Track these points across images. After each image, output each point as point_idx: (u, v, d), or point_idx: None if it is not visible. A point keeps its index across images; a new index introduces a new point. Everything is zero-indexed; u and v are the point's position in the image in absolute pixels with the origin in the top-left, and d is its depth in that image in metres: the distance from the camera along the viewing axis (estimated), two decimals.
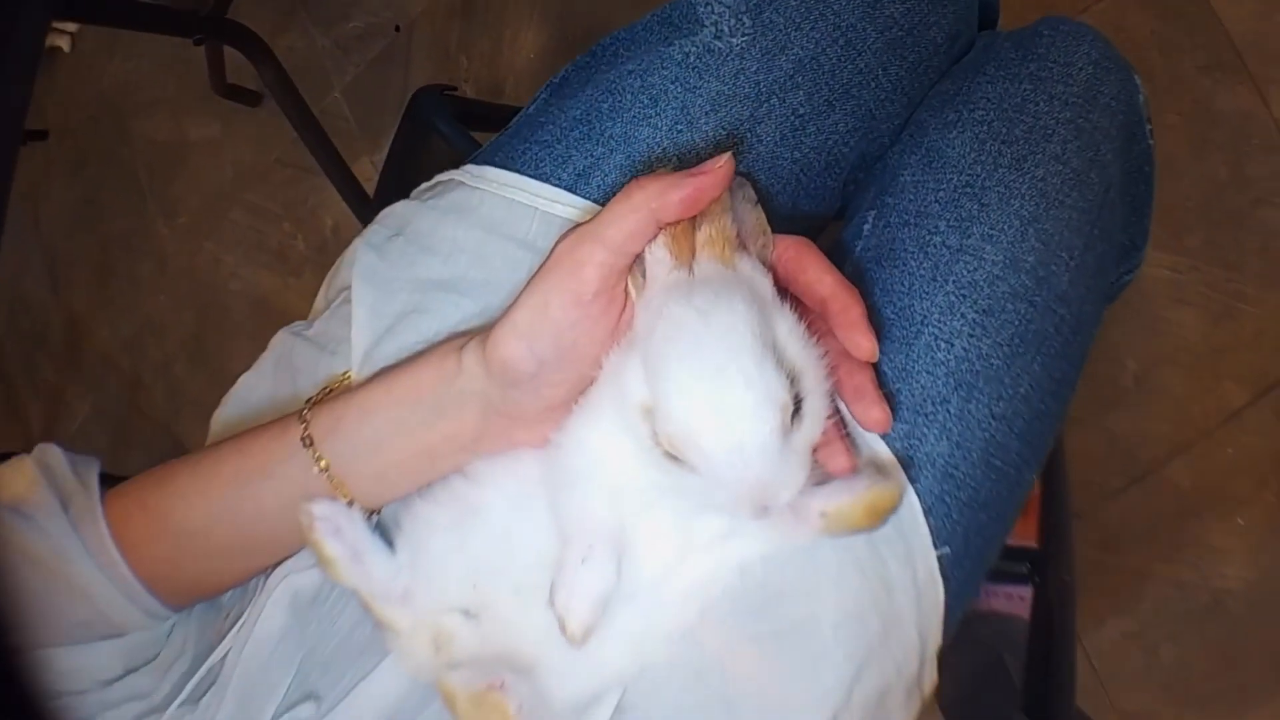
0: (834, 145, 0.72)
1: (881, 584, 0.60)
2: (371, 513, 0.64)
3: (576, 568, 0.54)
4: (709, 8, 0.70)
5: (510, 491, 0.60)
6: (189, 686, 0.65)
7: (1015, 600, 1.25)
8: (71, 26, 2.19)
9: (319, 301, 0.79)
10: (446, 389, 0.59)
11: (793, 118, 0.70)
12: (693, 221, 0.54)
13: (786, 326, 0.52)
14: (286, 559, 0.66)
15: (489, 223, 0.70)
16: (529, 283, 0.55)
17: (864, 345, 0.54)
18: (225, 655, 0.65)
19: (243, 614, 0.66)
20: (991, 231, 0.63)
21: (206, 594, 0.69)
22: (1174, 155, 1.40)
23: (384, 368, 0.66)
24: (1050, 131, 0.66)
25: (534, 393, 0.56)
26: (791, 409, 0.49)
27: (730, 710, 0.58)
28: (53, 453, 0.66)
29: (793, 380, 0.50)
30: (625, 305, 0.55)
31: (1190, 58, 1.43)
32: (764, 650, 0.59)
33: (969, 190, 0.65)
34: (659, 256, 0.53)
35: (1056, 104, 0.67)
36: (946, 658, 0.65)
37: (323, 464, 0.61)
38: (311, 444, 0.62)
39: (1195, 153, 1.41)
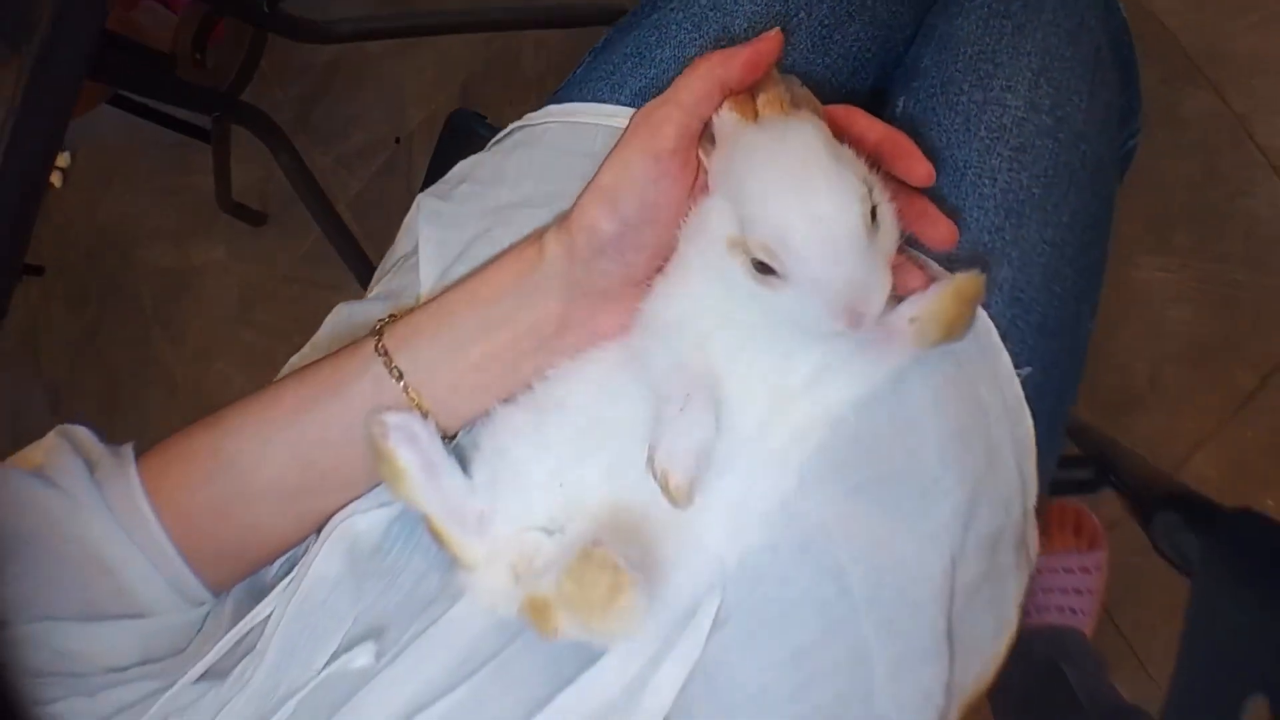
0: (858, 51, 0.78)
1: (977, 406, 0.62)
2: (449, 438, 0.62)
3: (675, 418, 0.53)
4: None
5: (594, 377, 0.59)
6: (211, 654, 0.61)
7: (1068, 613, 1.32)
8: (64, 161, 2.25)
9: (375, 285, 0.79)
10: (529, 277, 0.59)
11: (820, 28, 0.76)
12: (752, 92, 0.56)
13: (849, 154, 0.54)
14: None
15: (555, 147, 0.74)
16: (610, 152, 0.56)
17: (920, 169, 0.57)
18: (267, 617, 0.61)
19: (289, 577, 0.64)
20: (1009, 83, 0.70)
21: (249, 561, 0.66)
22: (1151, 164, 1.49)
23: (462, 276, 0.65)
24: (1041, 4, 0.74)
25: (619, 258, 0.56)
26: (870, 206, 0.51)
27: (841, 582, 0.57)
28: (77, 429, 0.65)
29: (867, 188, 0.52)
30: (698, 173, 0.56)
31: (1151, 72, 1.53)
32: (869, 501, 0.59)
33: (983, 55, 0.72)
34: (727, 119, 0.55)
35: None
36: (1002, 671, 0.67)
37: (397, 375, 0.60)
38: (385, 353, 0.60)
39: (1170, 158, 1.50)
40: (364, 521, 0.62)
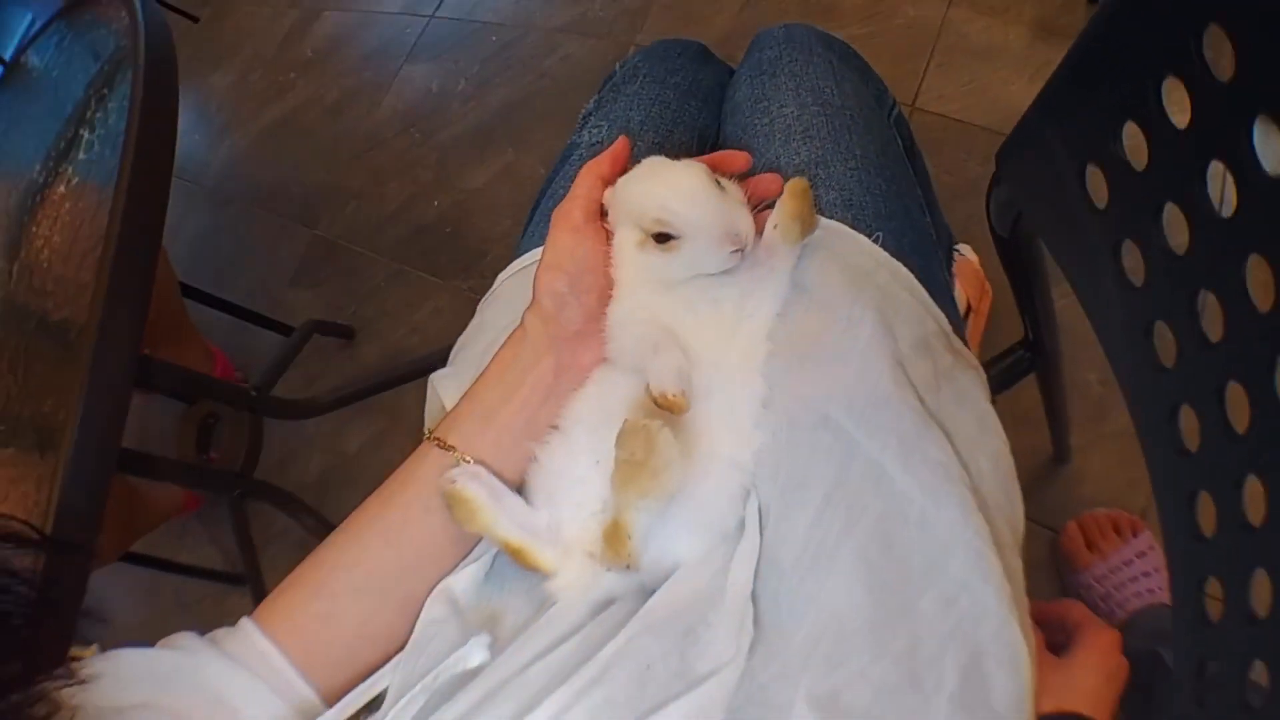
0: (699, 128, 1.07)
1: (855, 266, 0.82)
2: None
3: (653, 360, 0.70)
4: (584, 121, 1.10)
5: (593, 391, 0.76)
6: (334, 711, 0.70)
7: (1148, 595, 1.40)
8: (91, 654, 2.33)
9: None
10: (522, 349, 0.77)
11: (665, 125, 1.05)
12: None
13: (691, 160, 0.77)
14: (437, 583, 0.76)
15: (513, 291, 0.97)
16: (545, 244, 0.78)
17: (738, 156, 0.82)
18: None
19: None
20: (781, 103, 0.97)
21: (363, 662, 0.75)
22: None
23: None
24: (778, 58, 1.02)
25: (576, 304, 0.76)
26: (715, 179, 0.74)
27: (831, 426, 0.73)
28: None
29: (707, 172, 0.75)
30: (608, 236, 0.78)
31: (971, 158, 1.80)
32: (814, 366, 0.76)
33: (758, 100, 1.00)
34: (608, 194, 0.78)
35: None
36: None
37: (451, 449, 0.76)
38: (438, 439, 0.77)
39: None
40: (459, 579, 0.76)
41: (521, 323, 0.78)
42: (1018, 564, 0.73)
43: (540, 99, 2.49)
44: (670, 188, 0.73)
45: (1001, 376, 1.18)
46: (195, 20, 3.24)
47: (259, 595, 2.00)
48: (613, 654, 0.65)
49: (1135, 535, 1.46)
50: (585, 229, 0.76)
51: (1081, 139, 0.69)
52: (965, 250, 1.67)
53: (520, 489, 0.76)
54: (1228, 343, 0.57)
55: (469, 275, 2.31)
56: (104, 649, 0.92)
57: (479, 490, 0.72)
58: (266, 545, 2.13)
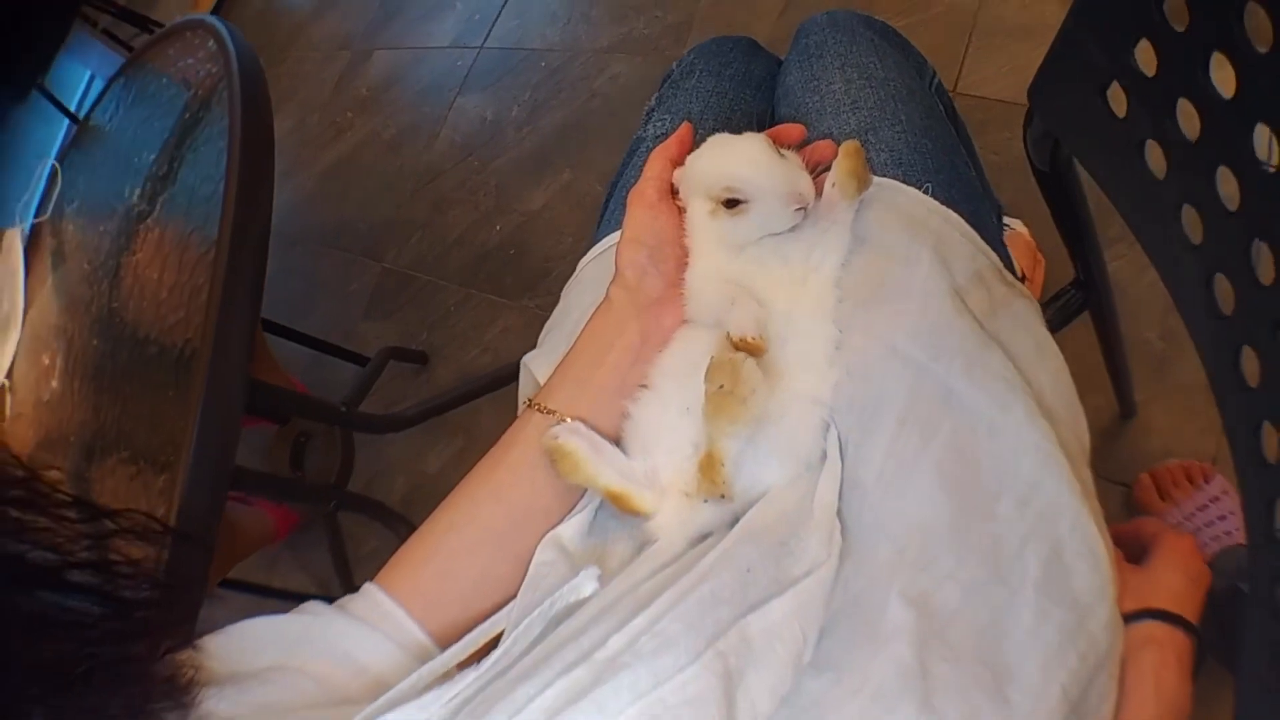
0: (756, 112, 1.14)
1: (909, 215, 0.87)
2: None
3: (731, 311, 0.76)
4: (648, 117, 1.16)
5: (677, 347, 0.81)
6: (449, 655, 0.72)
7: (1225, 537, 1.41)
8: None
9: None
10: (609, 318, 0.83)
11: (724, 113, 1.11)
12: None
13: (752, 134, 0.83)
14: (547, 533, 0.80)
15: (595, 273, 1.03)
16: (624, 221, 0.84)
17: (793, 129, 0.86)
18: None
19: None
20: (829, 81, 1.03)
21: (479, 612, 0.78)
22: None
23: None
24: (824, 41, 1.08)
25: (655, 272, 0.81)
26: (775, 148, 0.80)
27: (900, 355, 0.78)
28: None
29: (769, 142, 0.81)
30: (680, 213, 0.83)
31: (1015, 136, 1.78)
32: (879, 302, 0.81)
33: (807, 81, 1.06)
34: (677, 173, 0.84)
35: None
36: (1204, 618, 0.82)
37: (552, 411, 0.81)
38: (538, 405, 0.82)
39: None
40: (566, 528, 0.81)
41: (607, 295, 0.84)
42: (1087, 474, 0.78)
43: (592, 119, 2.56)
44: (736, 156, 0.79)
45: (1056, 317, 1.22)
46: None
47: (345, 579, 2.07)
48: (714, 560, 0.70)
49: (1208, 481, 1.48)
50: (660, 205, 0.82)
51: (1100, 61, 0.75)
52: (1015, 224, 1.70)
53: (617, 443, 0.81)
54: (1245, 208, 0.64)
55: (535, 294, 2.37)
56: None
57: (580, 443, 0.77)
58: (356, 566, 2.19)
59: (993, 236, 0.93)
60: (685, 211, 0.83)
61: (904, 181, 0.91)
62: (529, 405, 0.83)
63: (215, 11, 3.55)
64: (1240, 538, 1.43)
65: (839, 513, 0.74)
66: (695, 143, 0.86)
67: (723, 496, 0.73)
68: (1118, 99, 0.75)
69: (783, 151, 0.80)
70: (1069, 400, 0.83)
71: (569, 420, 0.81)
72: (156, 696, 0.60)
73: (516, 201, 2.54)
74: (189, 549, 0.98)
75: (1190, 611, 0.78)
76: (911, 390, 0.77)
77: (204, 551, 1.05)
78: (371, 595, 0.77)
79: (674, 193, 0.84)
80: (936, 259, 0.83)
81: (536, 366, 0.98)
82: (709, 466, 0.72)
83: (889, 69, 1.03)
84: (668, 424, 0.79)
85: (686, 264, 0.82)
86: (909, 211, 0.88)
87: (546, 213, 2.48)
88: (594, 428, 0.80)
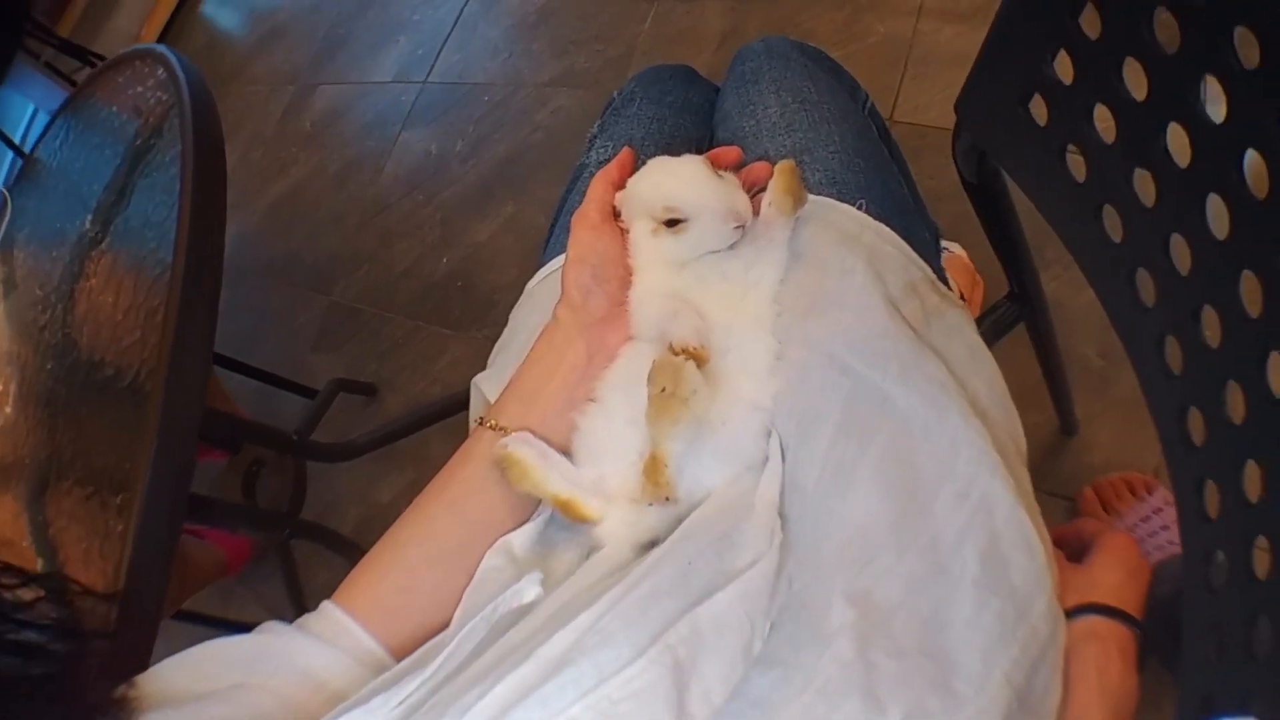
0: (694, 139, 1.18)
1: (842, 229, 0.91)
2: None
3: (673, 323, 0.79)
4: (590, 144, 1.20)
5: (622, 364, 0.83)
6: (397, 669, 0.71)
7: (1168, 547, 1.43)
8: None
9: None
10: (555, 338, 0.85)
11: (662, 137, 1.16)
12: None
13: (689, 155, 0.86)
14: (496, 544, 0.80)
15: (543, 293, 1.06)
16: (568, 243, 0.86)
17: (730, 151, 0.90)
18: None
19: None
20: (764, 105, 1.07)
21: (438, 624, 0.78)
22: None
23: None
24: (759, 68, 1.13)
25: (601, 292, 0.84)
26: (712, 168, 0.84)
27: (838, 363, 0.81)
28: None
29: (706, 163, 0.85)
30: (623, 235, 0.86)
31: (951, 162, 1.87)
32: (819, 312, 0.84)
33: (743, 105, 1.10)
34: (619, 196, 0.87)
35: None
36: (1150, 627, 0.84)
37: (501, 429, 0.82)
38: (490, 423, 0.83)
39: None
40: (516, 536, 0.81)
41: (554, 315, 0.86)
42: (1024, 473, 0.81)
43: (535, 151, 2.60)
44: (676, 178, 0.83)
45: (991, 330, 1.25)
46: None
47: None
48: (656, 557, 0.71)
49: (1150, 493, 1.51)
50: (602, 227, 0.85)
51: (1022, 73, 0.80)
52: (953, 247, 1.75)
53: (566, 455, 0.83)
54: (1156, 204, 0.69)
55: (483, 324, 2.40)
56: None
57: (529, 452, 0.79)
58: (310, 597, 2.17)
59: (926, 250, 0.96)
60: (628, 233, 0.86)
61: (838, 199, 0.94)
62: (480, 423, 0.85)
63: (160, 43, 3.53)
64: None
65: (781, 513, 0.77)
66: (636, 167, 0.89)
67: (667, 499, 0.75)
68: (1039, 109, 0.80)
69: (721, 172, 0.84)
70: (1004, 404, 0.86)
71: (518, 432, 0.82)
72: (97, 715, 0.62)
73: (462, 234, 2.57)
74: (142, 582, 1.00)
75: (1131, 605, 0.81)
76: (849, 397, 0.80)
77: (158, 582, 1.05)
78: (329, 613, 0.78)
79: (616, 215, 0.87)
80: (870, 271, 0.86)
81: (487, 386, 1.00)
82: (653, 469, 0.74)
83: (822, 92, 1.07)
84: (614, 434, 0.81)
85: (630, 283, 0.85)
86: (843, 227, 0.91)
87: (492, 245, 2.52)
88: (543, 440, 0.82)
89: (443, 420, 2.15)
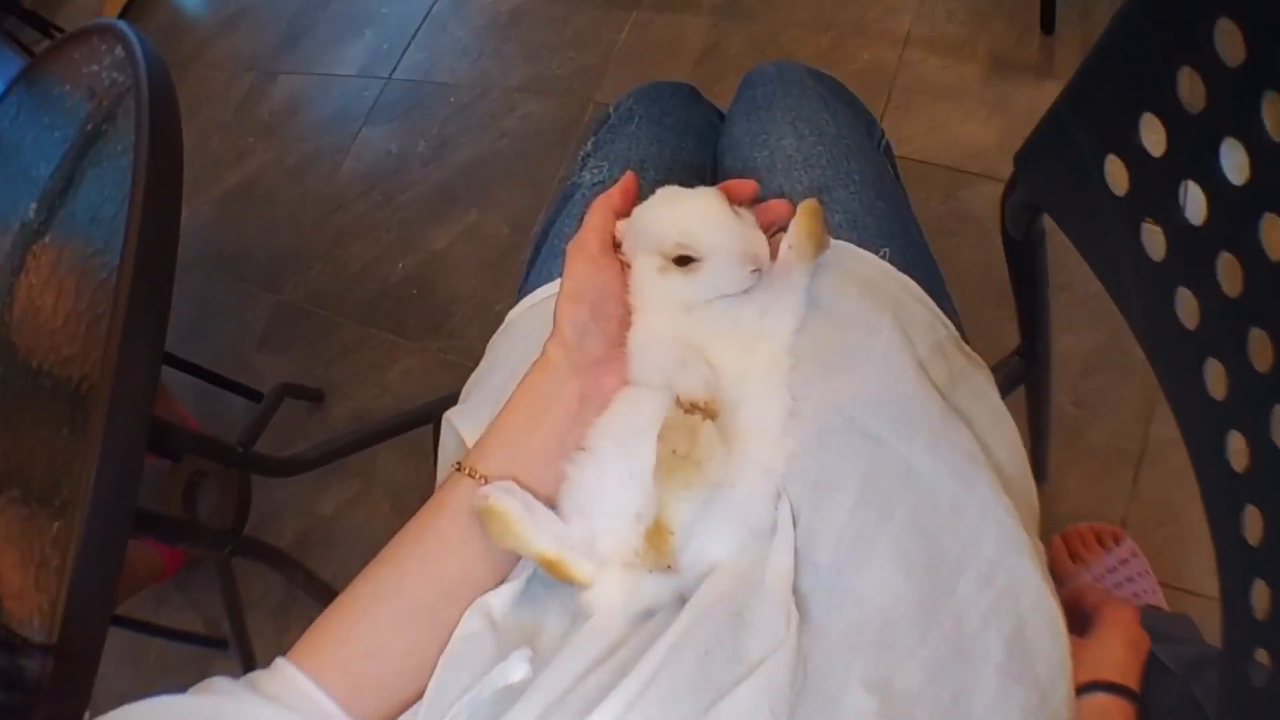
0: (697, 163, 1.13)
1: (866, 280, 0.86)
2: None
3: (680, 372, 0.73)
4: (583, 162, 1.14)
5: (619, 410, 0.77)
6: None
7: (1134, 599, 1.43)
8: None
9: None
10: (545, 377, 0.78)
11: (666, 162, 1.10)
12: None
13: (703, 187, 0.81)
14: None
15: (526, 325, 1.00)
16: (563, 274, 0.80)
17: (746, 185, 0.84)
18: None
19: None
20: (779, 136, 1.03)
21: (410, 692, 0.73)
22: (979, 257, 1.74)
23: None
24: (772, 95, 1.08)
25: (597, 331, 0.78)
26: (729, 204, 0.78)
27: (859, 426, 0.76)
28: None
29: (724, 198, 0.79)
30: (623, 267, 0.80)
31: (933, 195, 1.88)
32: (840, 369, 0.79)
33: (756, 134, 1.06)
34: (621, 225, 0.81)
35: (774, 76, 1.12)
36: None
37: (483, 478, 0.75)
38: (469, 470, 0.77)
39: (987, 246, 1.74)
40: (495, 596, 0.75)
41: (544, 353, 0.80)
42: (1039, 543, 0.77)
43: (500, 158, 2.52)
44: (690, 212, 0.77)
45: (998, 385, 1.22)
46: None
47: (246, 657, 1.99)
48: (670, 645, 0.66)
49: (1118, 544, 1.51)
50: (602, 259, 0.78)
51: (1101, 134, 0.73)
52: None
53: (553, 509, 0.77)
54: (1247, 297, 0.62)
55: (438, 335, 2.32)
56: (92, 713, 0.93)
57: (513, 504, 0.72)
58: (246, 609, 2.10)
59: (947, 303, 0.91)
60: (629, 267, 0.80)
61: (859, 244, 0.89)
62: (457, 469, 0.78)
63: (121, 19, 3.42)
64: (1150, 598, 1.46)
65: (793, 587, 0.71)
66: (638, 193, 0.83)
67: (668, 568, 0.70)
68: (1117, 174, 0.73)
69: (737, 209, 0.78)
70: (1023, 470, 0.82)
71: (500, 481, 0.76)
72: None
73: (420, 239, 2.50)
74: (78, 637, 0.93)
75: (1133, 680, 0.82)
76: (870, 465, 0.75)
77: (95, 637, 0.98)
78: (285, 672, 0.71)
79: (616, 246, 0.81)
80: (897, 327, 0.81)
81: (462, 424, 0.92)
82: (656, 535, 0.69)
83: (840, 125, 1.02)
84: (607, 490, 0.75)
85: (629, 323, 0.79)
86: (867, 276, 0.86)
87: (450, 253, 2.44)
88: (528, 490, 0.76)
89: (393, 439, 2.07)
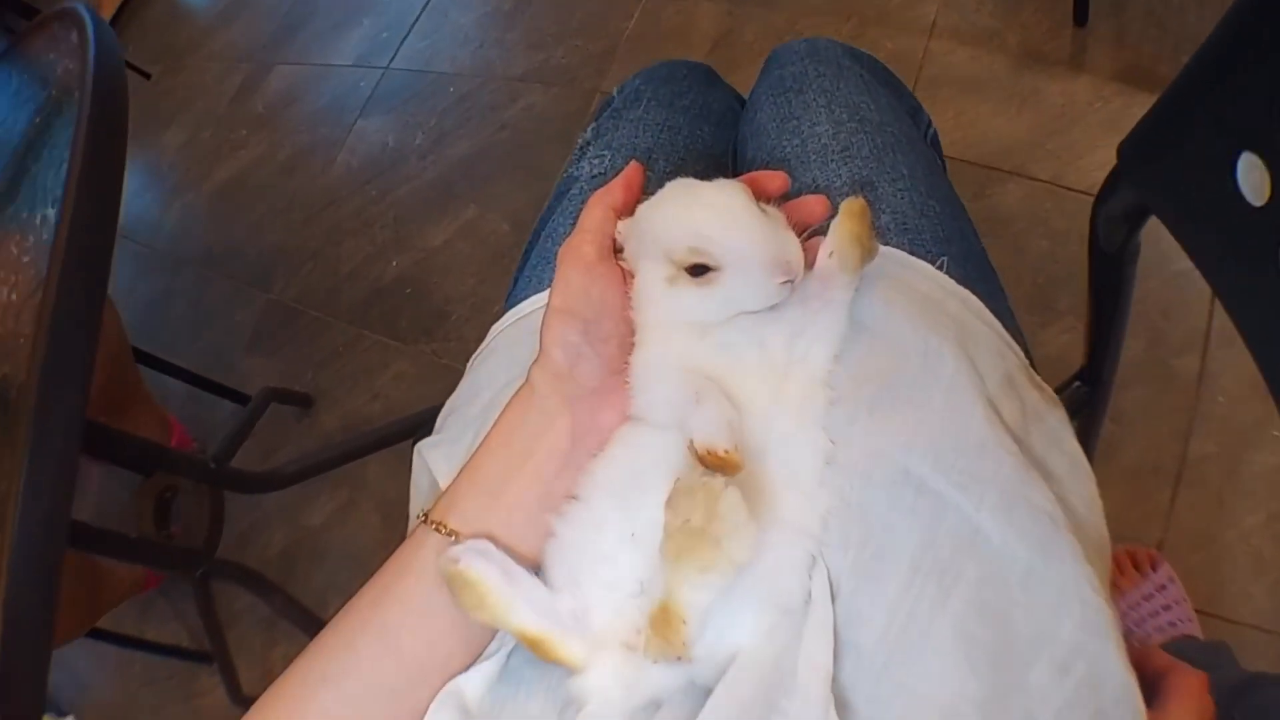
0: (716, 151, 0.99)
1: (923, 296, 0.72)
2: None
3: (695, 412, 0.59)
4: (582, 151, 0.99)
5: (619, 453, 0.64)
6: None
7: (1169, 628, 1.39)
8: None
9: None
10: (530, 411, 0.65)
11: (680, 154, 0.96)
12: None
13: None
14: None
15: (510, 343, 0.86)
16: (552, 283, 0.66)
17: (775, 178, 0.70)
18: None
19: None
20: (813, 121, 0.89)
21: None
22: (1010, 261, 1.67)
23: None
24: (805, 73, 0.94)
25: (592, 355, 0.64)
26: (753, 199, 0.63)
27: (914, 481, 0.62)
28: None
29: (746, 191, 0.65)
30: (625, 277, 0.66)
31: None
32: (889, 406, 0.65)
33: (784, 120, 0.91)
34: (623, 226, 0.67)
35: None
36: None
37: (453, 535, 0.63)
38: (437, 524, 0.64)
39: (1018, 249, 1.69)
40: (469, 680, 0.63)
41: (528, 380, 0.66)
42: (1114, 608, 0.63)
43: (501, 151, 2.40)
44: (707, 211, 0.62)
45: None
46: (147, 77, 3.15)
47: (228, 675, 1.90)
48: None
49: (1154, 569, 1.44)
50: (599, 267, 0.65)
51: (1236, 127, 0.60)
52: None
53: (537, 571, 0.63)
54: None
55: (431, 338, 2.21)
56: None
57: (488, 569, 0.59)
58: (233, 622, 2.02)
59: (1013, 325, 0.77)
60: (633, 277, 0.66)
61: (911, 252, 0.75)
62: (424, 519, 0.65)
63: (119, 12, 3.35)
64: (1187, 628, 1.40)
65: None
66: (646, 187, 0.69)
67: (679, 658, 0.55)
68: (1255, 178, 0.59)
69: (764, 206, 0.63)
70: (1099, 526, 0.69)
71: (474, 539, 0.62)
72: None
73: (415, 236, 2.38)
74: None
75: None
76: (927, 529, 0.61)
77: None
78: None
79: (618, 251, 0.67)
80: (962, 356, 0.67)
81: (435, 459, 0.79)
82: (664, 622, 0.54)
83: (883, 111, 0.88)
84: (604, 552, 0.61)
85: (631, 345, 0.65)
86: (922, 292, 0.72)
87: (447, 250, 2.32)
88: (508, 550, 0.62)
89: (381, 451, 1.96)
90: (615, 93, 1.05)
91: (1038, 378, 0.75)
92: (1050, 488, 0.64)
